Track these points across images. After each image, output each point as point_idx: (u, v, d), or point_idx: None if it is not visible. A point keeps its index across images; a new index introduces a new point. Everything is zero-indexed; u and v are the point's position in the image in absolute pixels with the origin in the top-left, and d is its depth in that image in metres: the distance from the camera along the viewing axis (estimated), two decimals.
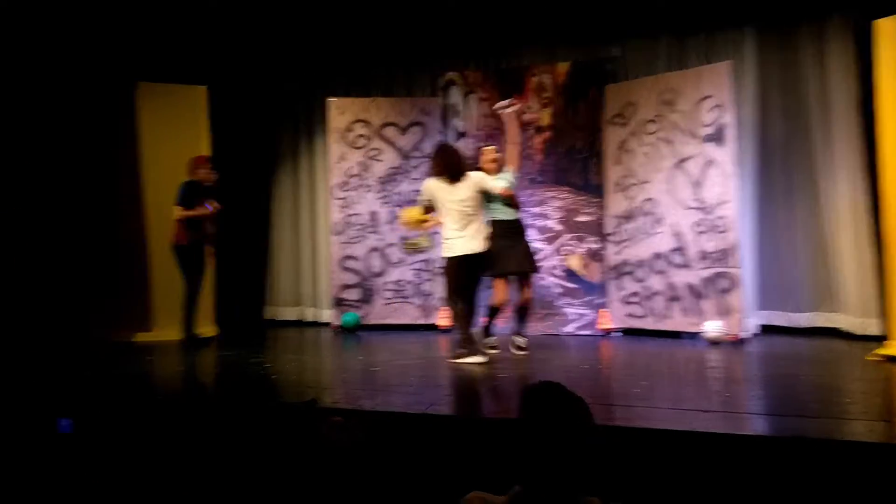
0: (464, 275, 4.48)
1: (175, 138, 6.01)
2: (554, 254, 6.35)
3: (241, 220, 6.47)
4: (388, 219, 6.62)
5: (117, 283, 5.82)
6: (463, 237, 4.47)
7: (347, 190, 6.64)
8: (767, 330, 5.69)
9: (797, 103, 5.81)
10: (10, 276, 5.22)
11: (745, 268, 5.61)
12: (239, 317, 6.66)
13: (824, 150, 5.66)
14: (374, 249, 6.60)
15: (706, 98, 5.60)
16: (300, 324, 7.17)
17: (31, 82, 5.44)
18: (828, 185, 5.63)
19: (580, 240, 6.31)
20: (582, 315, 6.21)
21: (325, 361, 4.79)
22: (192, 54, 6.40)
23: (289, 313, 7.35)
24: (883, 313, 4.91)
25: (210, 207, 5.66)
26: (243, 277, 6.91)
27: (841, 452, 2.45)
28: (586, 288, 6.25)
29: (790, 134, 5.85)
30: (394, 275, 6.58)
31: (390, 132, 6.67)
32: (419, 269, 6.59)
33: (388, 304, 6.56)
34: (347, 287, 6.56)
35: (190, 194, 5.45)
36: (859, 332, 5.28)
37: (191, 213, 5.57)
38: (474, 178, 4.58)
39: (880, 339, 4.66)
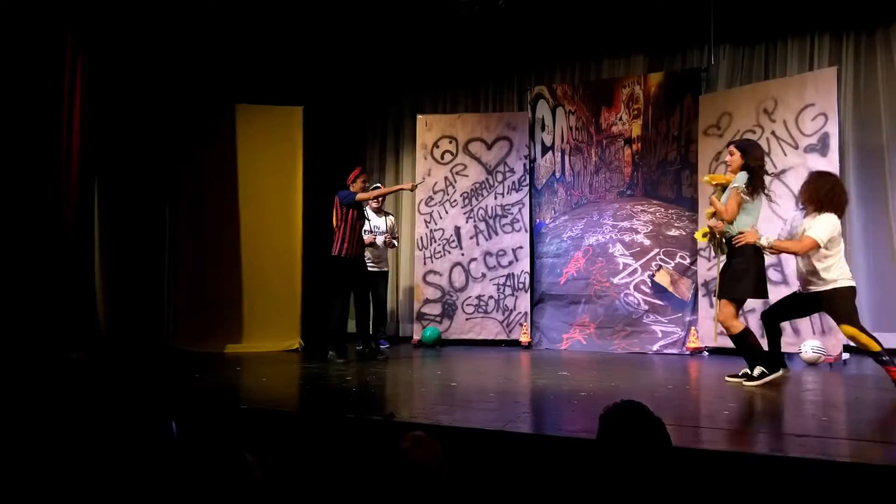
0: None
1: (270, 158, 6.28)
2: (642, 269, 6.16)
3: (327, 237, 6.68)
4: (471, 234, 6.65)
5: (212, 297, 6.05)
6: None
7: (432, 205, 6.73)
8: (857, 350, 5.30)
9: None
10: (119, 289, 5.59)
11: None
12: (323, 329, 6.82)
13: None
14: (457, 264, 6.64)
15: (809, 106, 5.28)
16: None
17: (141, 107, 5.85)
18: None
19: (670, 255, 6.09)
20: (668, 333, 5.97)
21: (404, 376, 4.83)
22: (287, 75, 6.73)
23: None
24: None
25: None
26: (328, 293, 7.08)
27: None
28: (675, 305, 6.01)
29: (891, 146, 5.48)
30: (475, 290, 6.59)
31: (476, 147, 6.72)
32: (501, 285, 6.56)
33: (470, 319, 6.57)
34: (429, 302, 6.63)
35: (350, 199, 5.38)
36: None
37: (389, 189, 5.92)
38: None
39: None
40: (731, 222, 4.08)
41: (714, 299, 5.05)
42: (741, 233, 4.05)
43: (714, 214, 4.21)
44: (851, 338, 3.84)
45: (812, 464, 2.47)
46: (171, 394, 3.83)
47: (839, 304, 3.88)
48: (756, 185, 4.06)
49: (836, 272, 3.90)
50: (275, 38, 6.44)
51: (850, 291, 3.90)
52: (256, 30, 6.24)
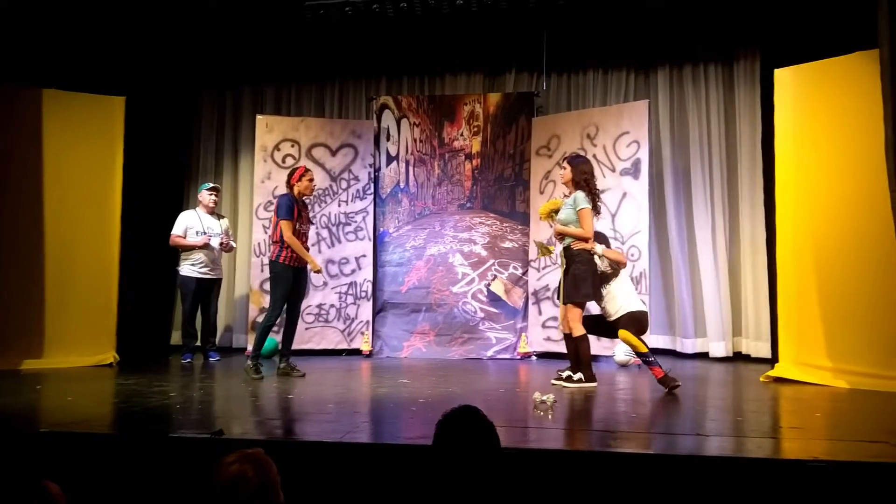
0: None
1: (85, 152, 5.60)
2: (479, 279, 6.42)
3: (150, 240, 6.17)
4: (313, 241, 6.49)
5: (6, 305, 5.23)
6: None
7: (272, 210, 6.46)
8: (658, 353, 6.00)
9: (702, 140, 6.23)
10: None
11: (653, 294, 5.92)
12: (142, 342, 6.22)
13: (729, 185, 6.16)
14: None
15: (624, 134, 5.87)
16: None
17: None
18: (729, 218, 6.15)
19: (504, 265, 6.42)
20: (502, 339, 6.28)
21: (237, 389, 4.58)
22: (109, 61, 6.10)
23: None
24: (773, 338, 5.39)
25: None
26: (149, 301, 6.52)
27: (739, 468, 2.56)
28: (508, 313, 6.33)
29: (695, 169, 6.22)
30: (316, 298, 6.44)
31: (319, 152, 6.59)
32: (343, 293, 6.48)
33: (309, 328, 6.40)
34: (266, 310, 6.34)
35: (292, 208, 4.93)
36: (755, 354, 5.80)
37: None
38: None
39: (772, 363, 5.07)
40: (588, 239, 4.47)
41: (558, 303, 5.28)
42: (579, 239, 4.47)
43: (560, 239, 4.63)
44: (625, 340, 4.39)
45: (626, 458, 2.73)
46: None
47: (631, 320, 4.39)
48: (595, 199, 4.53)
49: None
50: (98, 16, 5.78)
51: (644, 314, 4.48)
52: (76, 4, 5.56)
